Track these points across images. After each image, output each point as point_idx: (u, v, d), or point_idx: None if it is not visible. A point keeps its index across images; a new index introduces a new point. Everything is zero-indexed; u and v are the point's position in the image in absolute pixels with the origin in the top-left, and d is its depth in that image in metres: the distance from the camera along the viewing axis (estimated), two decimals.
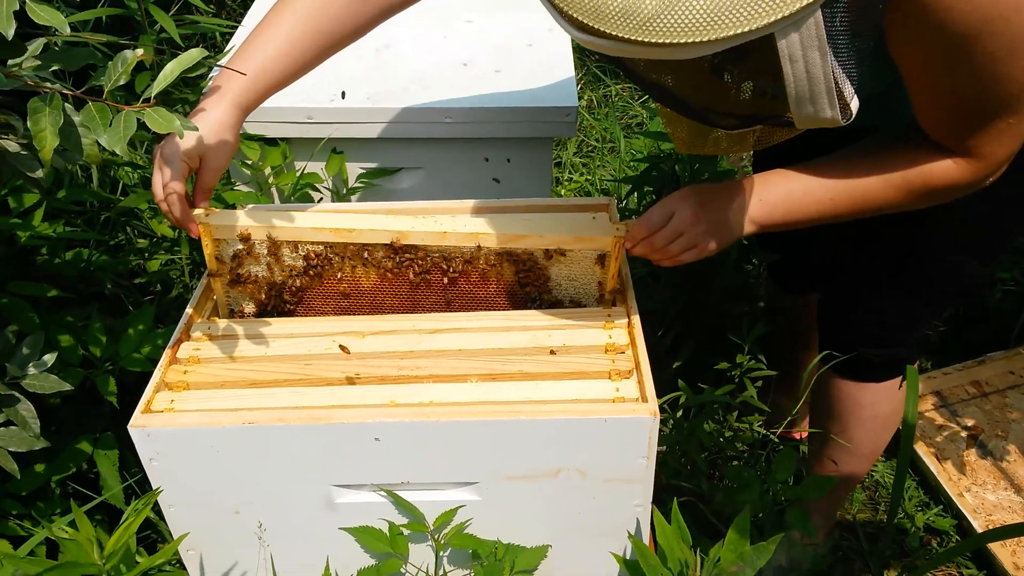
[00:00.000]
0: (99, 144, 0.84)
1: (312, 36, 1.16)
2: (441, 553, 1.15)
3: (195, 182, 1.16)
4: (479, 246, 1.23)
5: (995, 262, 1.47)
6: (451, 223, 1.23)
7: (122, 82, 0.83)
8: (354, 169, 1.70)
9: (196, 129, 0.89)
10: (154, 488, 1.11)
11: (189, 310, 1.25)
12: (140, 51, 0.84)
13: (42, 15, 0.80)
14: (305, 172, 1.64)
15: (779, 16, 0.78)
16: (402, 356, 1.17)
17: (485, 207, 1.45)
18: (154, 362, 1.38)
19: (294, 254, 1.25)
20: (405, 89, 1.67)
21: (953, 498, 1.92)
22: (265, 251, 1.24)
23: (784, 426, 1.86)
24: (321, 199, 1.72)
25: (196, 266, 1.76)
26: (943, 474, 1.98)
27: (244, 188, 1.68)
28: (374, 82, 1.69)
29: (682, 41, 0.79)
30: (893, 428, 1.59)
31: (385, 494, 1.13)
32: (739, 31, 0.78)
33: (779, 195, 1.15)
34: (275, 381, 1.14)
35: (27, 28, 0.83)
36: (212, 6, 2.45)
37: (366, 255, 1.24)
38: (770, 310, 1.89)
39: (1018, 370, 2.21)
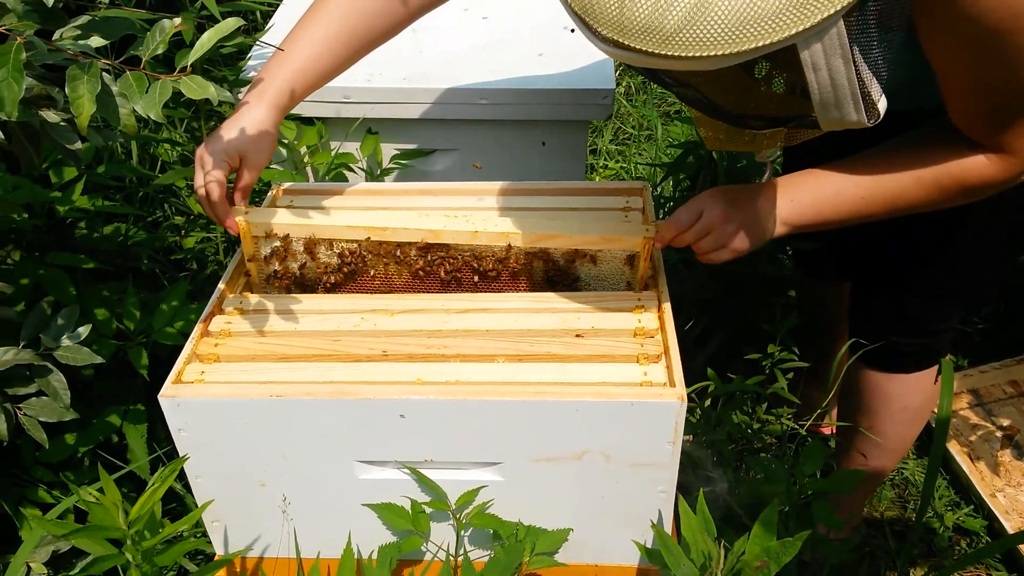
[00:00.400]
0: (136, 115, 0.85)
1: (349, 36, 1.19)
2: (462, 532, 1.16)
3: (235, 180, 1.20)
4: (509, 245, 1.24)
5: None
6: (482, 222, 1.24)
7: (160, 51, 0.84)
8: (388, 150, 1.70)
9: (220, 97, 0.90)
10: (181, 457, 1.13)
11: (222, 285, 1.26)
12: (178, 20, 0.84)
13: None
14: (340, 152, 1.64)
15: (801, 28, 0.78)
16: (430, 335, 1.17)
17: (517, 189, 1.45)
18: (187, 336, 1.40)
19: (329, 252, 1.27)
20: (441, 70, 1.66)
21: (985, 498, 1.89)
22: (301, 248, 1.27)
23: (813, 419, 1.85)
24: (356, 179, 1.73)
25: (231, 244, 1.78)
26: (975, 474, 1.95)
27: (278, 167, 1.69)
28: (410, 63, 1.69)
29: (705, 55, 0.80)
30: (922, 422, 1.57)
31: (408, 471, 1.14)
32: (760, 43, 0.79)
33: (810, 195, 1.15)
34: (304, 356, 1.15)
35: None
36: None
37: (399, 253, 1.26)
38: (800, 300, 1.86)
39: None
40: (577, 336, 1.16)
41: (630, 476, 1.12)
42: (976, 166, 1.05)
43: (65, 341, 1.16)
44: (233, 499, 1.18)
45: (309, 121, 1.66)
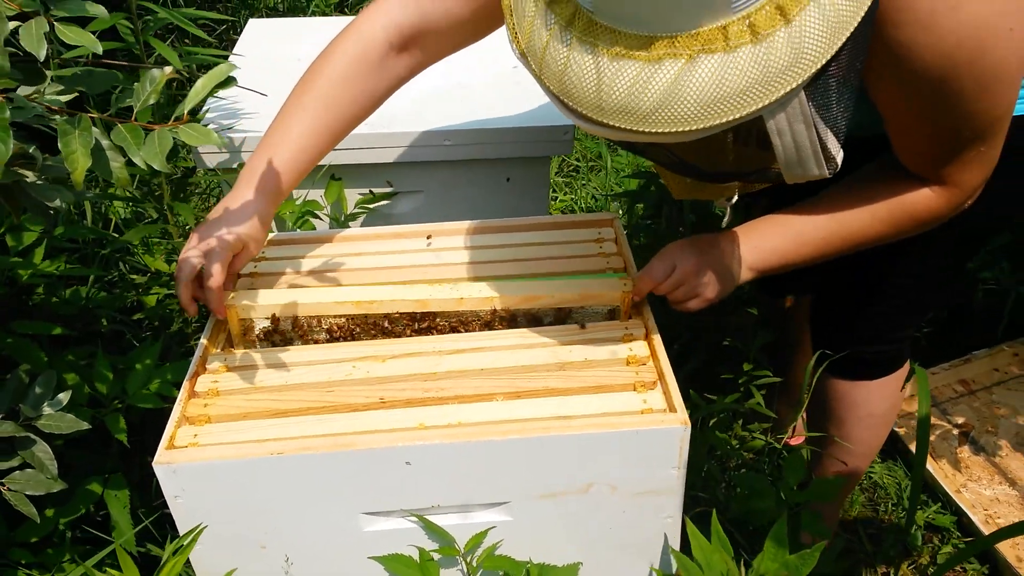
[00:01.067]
0: (126, 166, 0.83)
1: (335, 120, 1.24)
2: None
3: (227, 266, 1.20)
4: (494, 309, 1.27)
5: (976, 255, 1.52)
6: (467, 289, 1.27)
7: (151, 102, 0.82)
8: (352, 195, 1.69)
9: (223, 142, 0.89)
10: (178, 527, 1.09)
11: (204, 341, 1.23)
12: (169, 69, 0.83)
13: (72, 36, 0.79)
14: (306, 199, 1.63)
15: (765, 103, 0.85)
16: (425, 378, 1.17)
17: (492, 227, 1.46)
18: (164, 398, 1.37)
19: (318, 327, 1.27)
20: (405, 114, 1.67)
21: (951, 495, 1.96)
22: (290, 326, 1.27)
23: (788, 431, 1.89)
24: (322, 225, 1.71)
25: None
26: (939, 472, 2.02)
27: None
28: None
29: (679, 130, 0.86)
30: (889, 426, 1.63)
31: (415, 519, 1.12)
32: (730, 118, 0.85)
33: (773, 241, 1.22)
34: (299, 409, 1.13)
35: (59, 47, 0.82)
36: (211, 36, 2.41)
37: (387, 324, 1.28)
38: (762, 316, 1.92)
39: (1002, 367, 2.27)
40: (574, 368, 1.17)
41: (636, 505, 1.13)
42: (924, 199, 1.13)
43: (46, 409, 1.11)
44: (232, 564, 1.14)
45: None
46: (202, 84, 0.86)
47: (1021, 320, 2.26)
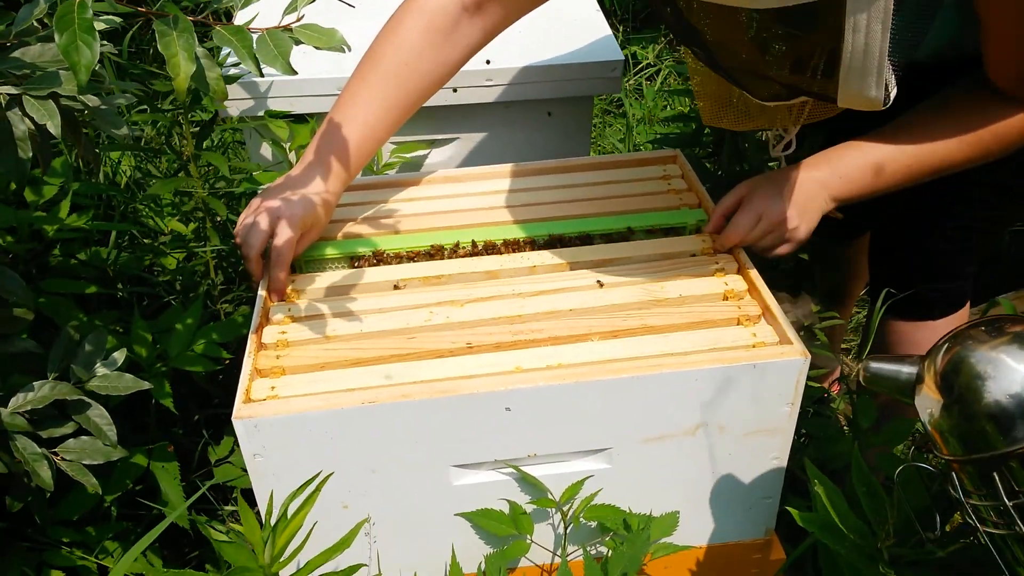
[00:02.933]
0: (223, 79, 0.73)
1: (406, 96, 1.17)
2: (568, 528, 1.07)
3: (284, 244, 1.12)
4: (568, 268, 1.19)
5: None
6: (539, 256, 1.19)
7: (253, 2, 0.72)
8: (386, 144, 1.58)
9: (345, 48, 0.78)
10: (256, 491, 0.99)
11: (262, 292, 1.13)
12: None
13: None
14: None
15: None
16: (511, 320, 1.08)
17: (555, 167, 1.38)
18: (211, 358, 1.26)
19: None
20: None
21: None
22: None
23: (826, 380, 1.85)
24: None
25: (223, 260, 1.62)
26: None
27: (273, 170, 1.55)
28: None
29: None
30: None
31: (508, 470, 1.04)
32: None
33: (856, 169, 1.15)
34: (381, 358, 1.03)
35: None
36: None
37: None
38: (812, 261, 1.87)
39: None
40: (665, 305, 1.09)
41: (745, 446, 1.06)
42: (1014, 121, 1.07)
43: (100, 369, 1.00)
44: (312, 524, 1.05)
45: (301, 119, 1.53)
46: None
47: None
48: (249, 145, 1.63)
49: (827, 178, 1.16)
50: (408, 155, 1.59)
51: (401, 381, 0.99)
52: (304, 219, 1.10)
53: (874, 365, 0.90)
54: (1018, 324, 0.80)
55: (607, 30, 1.64)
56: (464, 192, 1.34)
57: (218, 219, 1.68)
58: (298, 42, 0.71)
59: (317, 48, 0.71)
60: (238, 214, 1.44)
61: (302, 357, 1.03)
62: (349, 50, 0.87)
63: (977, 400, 0.76)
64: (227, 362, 1.30)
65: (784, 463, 1.10)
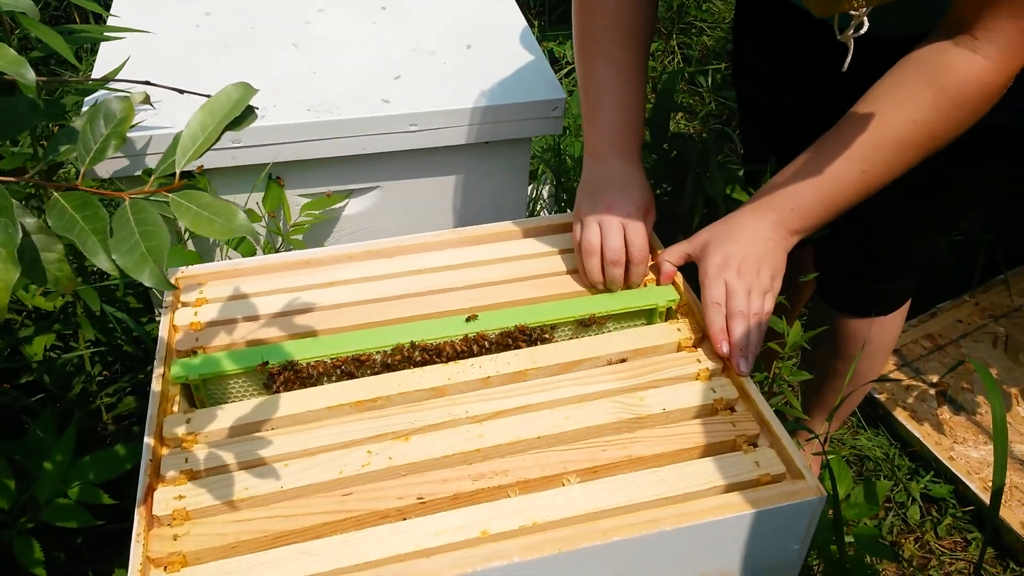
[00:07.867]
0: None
1: (638, 64, 1.15)
2: None
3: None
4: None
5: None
6: (491, 362, 1.00)
7: (109, 154, 0.49)
8: (294, 198, 1.34)
9: (253, 231, 0.57)
10: None
11: (149, 440, 0.89)
12: (138, 92, 0.50)
13: None
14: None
15: None
16: (468, 458, 0.89)
17: (494, 233, 1.18)
18: (90, 508, 1.01)
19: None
20: (351, 93, 1.33)
21: (944, 462, 1.89)
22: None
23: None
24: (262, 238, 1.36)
25: (98, 345, 1.33)
26: (928, 438, 1.95)
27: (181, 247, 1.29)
28: (308, 88, 1.34)
29: None
30: (891, 351, 1.64)
31: None
32: None
33: (811, 195, 1.02)
34: (310, 528, 0.82)
35: None
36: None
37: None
38: None
39: (966, 318, 2.22)
40: (648, 424, 0.93)
41: None
42: (972, 71, 0.93)
43: None
44: None
45: (188, 175, 1.27)
46: (199, 122, 0.52)
47: (992, 274, 2.22)
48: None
49: (782, 215, 1.03)
50: (320, 211, 1.35)
51: (336, 567, 0.79)
52: (640, 210, 1.10)
53: None
54: None
55: (541, 58, 1.44)
56: (392, 272, 1.13)
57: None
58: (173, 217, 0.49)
59: (211, 237, 0.49)
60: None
61: (207, 536, 0.81)
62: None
63: None
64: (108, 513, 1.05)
65: None
